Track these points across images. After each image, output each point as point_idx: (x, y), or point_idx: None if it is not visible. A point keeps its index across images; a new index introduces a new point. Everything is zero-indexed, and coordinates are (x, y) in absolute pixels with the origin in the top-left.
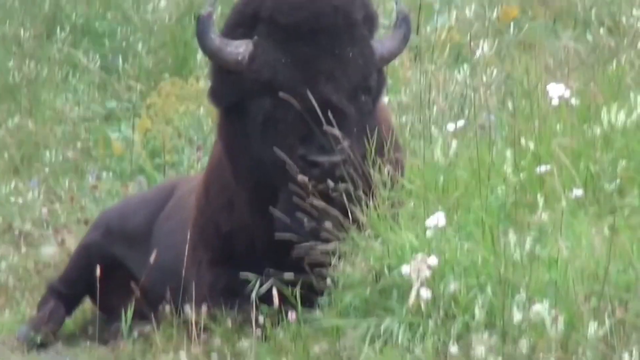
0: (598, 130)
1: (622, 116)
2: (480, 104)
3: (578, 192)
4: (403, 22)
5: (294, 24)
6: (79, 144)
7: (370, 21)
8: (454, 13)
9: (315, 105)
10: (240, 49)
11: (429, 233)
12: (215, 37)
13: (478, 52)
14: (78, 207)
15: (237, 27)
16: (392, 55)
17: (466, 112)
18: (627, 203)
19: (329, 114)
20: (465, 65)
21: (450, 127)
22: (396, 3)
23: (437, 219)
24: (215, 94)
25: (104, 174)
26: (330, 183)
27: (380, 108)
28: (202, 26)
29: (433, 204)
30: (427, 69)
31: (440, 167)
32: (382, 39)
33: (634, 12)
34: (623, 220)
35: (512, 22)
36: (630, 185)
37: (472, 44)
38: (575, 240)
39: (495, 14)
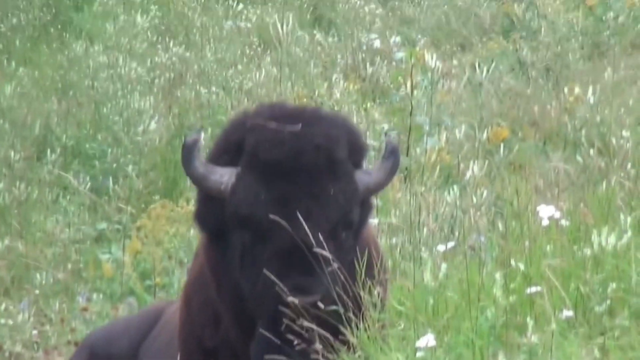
0: (588, 252)
1: (612, 239)
2: (470, 225)
3: (568, 313)
4: (391, 154)
5: (274, 161)
6: (69, 266)
7: (358, 153)
8: (444, 134)
9: (299, 242)
10: (224, 178)
11: (419, 354)
12: (199, 164)
13: (468, 173)
14: (68, 329)
15: (222, 154)
16: (379, 187)
17: (456, 233)
18: (617, 324)
19: (305, 254)
20: (455, 187)
21: (441, 248)
22: (385, 134)
23: (427, 341)
24: (200, 218)
25: (95, 295)
26: (321, 305)
27: (367, 230)
28: (186, 153)
29: (423, 325)
30: (416, 190)
31: (430, 289)
32: (370, 170)
33: (624, 133)
34: (613, 341)
35: (502, 143)
36: (621, 306)
37: (461, 165)
38: None
39: (485, 135)
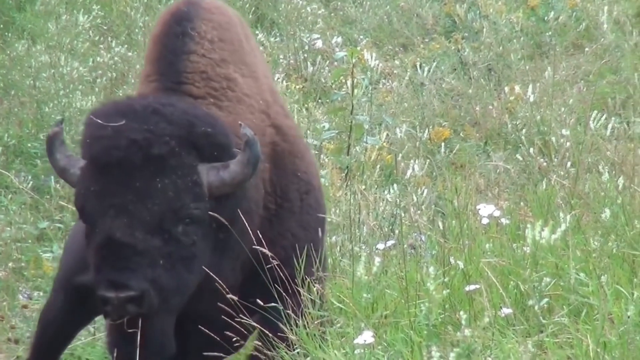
0: (527, 250)
1: (546, 233)
2: (411, 224)
3: (507, 310)
4: (247, 146)
5: (95, 156)
6: (10, 264)
7: (206, 148)
8: (384, 134)
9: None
10: (76, 169)
11: (357, 351)
12: (60, 157)
13: (409, 172)
14: (9, 327)
15: (80, 147)
16: (237, 180)
17: (396, 231)
18: (555, 321)
19: (118, 248)
20: (396, 185)
21: (380, 246)
22: (241, 126)
23: (365, 338)
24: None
25: (35, 293)
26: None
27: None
28: (48, 146)
29: (362, 322)
30: (357, 189)
31: (365, 285)
32: (227, 163)
33: (564, 132)
34: (551, 339)
35: (443, 143)
36: (560, 304)
37: (402, 164)
38: (503, 358)
39: (426, 135)
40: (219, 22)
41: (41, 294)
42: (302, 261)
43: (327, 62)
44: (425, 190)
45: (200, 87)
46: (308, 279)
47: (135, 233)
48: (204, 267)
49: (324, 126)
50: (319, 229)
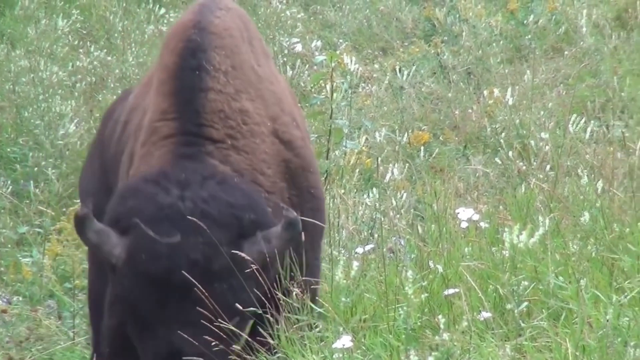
0: (506, 253)
1: (524, 237)
2: (390, 228)
3: (486, 314)
4: (290, 226)
5: (151, 273)
6: None
7: (252, 228)
8: (364, 137)
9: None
10: (115, 250)
11: (336, 356)
12: (92, 234)
13: (388, 176)
14: None
15: (114, 222)
16: (277, 253)
17: (375, 235)
18: (533, 325)
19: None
20: (375, 189)
21: (359, 250)
22: (284, 209)
23: (344, 342)
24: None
25: (15, 298)
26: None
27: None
28: (79, 227)
29: (341, 326)
30: (336, 193)
31: (344, 289)
32: (269, 236)
33: (543, 135)
34: (530, 342)
35: (422, 147)
36: (538, 307)
37: (381, 168)
38: None
39: (405, 139)
40: (230, 47)
41: (20, 298)
42: (304, 270)
43: (307, 66)
44: (405, 194)
45: (219, 129)
46: (291, 285)
47: (200, 344)
48: None
49: (309, 135)
50: (321, 243)
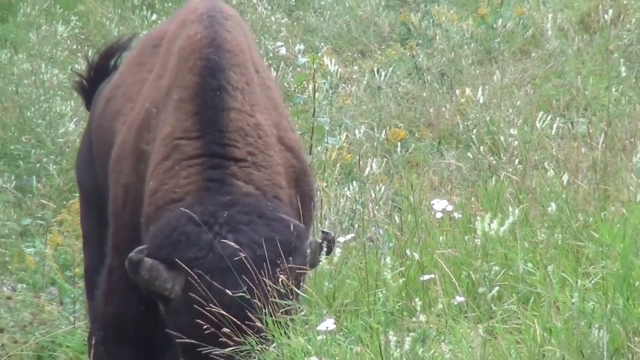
0: (478, 241)
1: (495, 226)
2: (369, 218)
3: (459, 298)
4: (329, 244)
5: (211, 317)
6: None
7: (295, 255)
8: (344, 134)
9: None
10: (167, 284)
11: (319, 338)
12: (145, 272)
13: (367, 170)
14: None
15: (163, 260)
16: (313, 266)
17: (356, 225)
18: (504, 308)
19: None
20: (355, 182)
21: (341, 239)
22: (322, 232)
23: (327, 325)
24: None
25: (19, 285)
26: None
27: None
28: (133, 268)
29: (324, 310)
30: (318, 185)
31: (327, 275)
32: (302, 254)
33: (512, 131)
34: (501, 325)
35: (399, 143)
36: (509, 292)
37: (361, 162)
38: (456, 343)
39: (383, 135)
40: (243, 64)
41: (24, 286)
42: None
43: (290, 67)
44: (383, 187)
45: (240, 148)
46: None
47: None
48: None
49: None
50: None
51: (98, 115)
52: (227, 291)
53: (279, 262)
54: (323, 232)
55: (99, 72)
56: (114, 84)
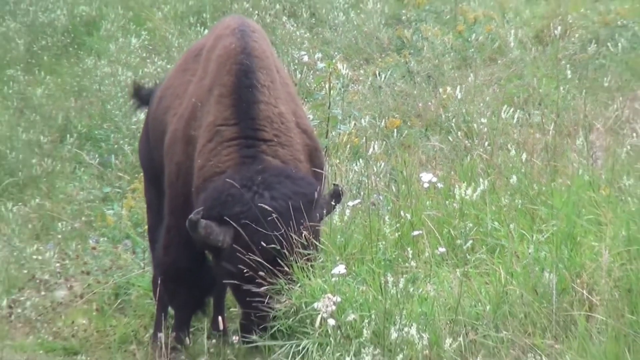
0: (456, 205)
1: (469, 193)
2: (372, 188)
3: (441, 249)
4: (338, 197)
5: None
6: (83, 218)
7: (317, 204)
8: (353, 123)
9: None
10: (219, 237)
11: (333, 279)
12: (201, 229)
13: (370, 150)
14: (82, 263)
15: (217, 218)
16: (326, 216)
17: (362, 193)
18: (476, 257)
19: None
20: (361, 160)
21: (350, 203)
22: (334, 185)
23: (339, 269)
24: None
25: (101, 239)
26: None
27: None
28: (191, 226)
29: (337, 258)
30: (333, 162)
31: (339, 230)
32: (323, 203)
33: (482, 121)
34: (474, 269)
35: (395, 129)
36: (480, 244)
37: (366, 144)
38: (439, 283)
39: (383, 124)
40: (267, 67)
41: (105, 239)
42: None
43: (311, 71)
44: (383, 164)
45: (268, 131)
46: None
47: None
48: None
49: (309, 117)
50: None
51: (153, 111)
52: (267, 233)
53: (307, 210)
54: (334, 184)
55: (138, 90)
56: (164, 86)
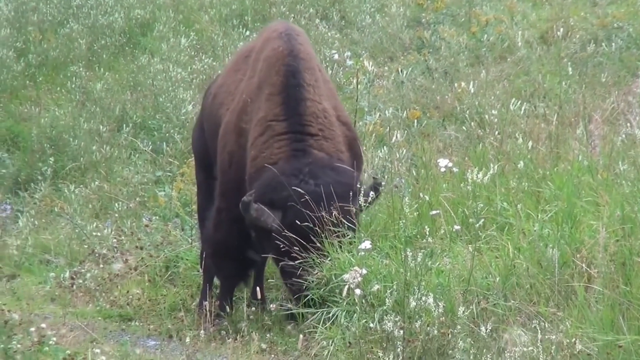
0: (470, 188)
1: (481, 176)
2: (395, 172)
3: (456, 227)
4: (377, 189)
5: (305, 233)
6: (137, 199)
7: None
8: (378, 114)
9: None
10: (269, 220)
11: (360, 254)
12: (253, 211)
13: (393, 139)
14: (136, 239)
15: (268, 204)
16: (365, 204)
17: (385, 177)
18: (487, 234)
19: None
20: (385, 147)
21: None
22: (373, 178)
23: (365, 245)
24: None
25: (154, 218)
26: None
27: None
28: (244, 207)
29: (363, 234)
30: (360, 149)
31: (365, 210)
32: (365, 192)
33: (494, 112)
34: (486, 245)
35: (416, 120)
36: (490, 222)
37: (389, 133)
38: (454, 257)
39: (405, 115)
40: (312, 67)
41: (157, 217)
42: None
43: (341, 68)
44: (404, 151)
45: (314, 126)
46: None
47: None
48: None
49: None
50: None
51: (208, 106)
52: (311, 214)
53: (345, 197)
54: (374, 178)
55: None
56: (218, 84)
